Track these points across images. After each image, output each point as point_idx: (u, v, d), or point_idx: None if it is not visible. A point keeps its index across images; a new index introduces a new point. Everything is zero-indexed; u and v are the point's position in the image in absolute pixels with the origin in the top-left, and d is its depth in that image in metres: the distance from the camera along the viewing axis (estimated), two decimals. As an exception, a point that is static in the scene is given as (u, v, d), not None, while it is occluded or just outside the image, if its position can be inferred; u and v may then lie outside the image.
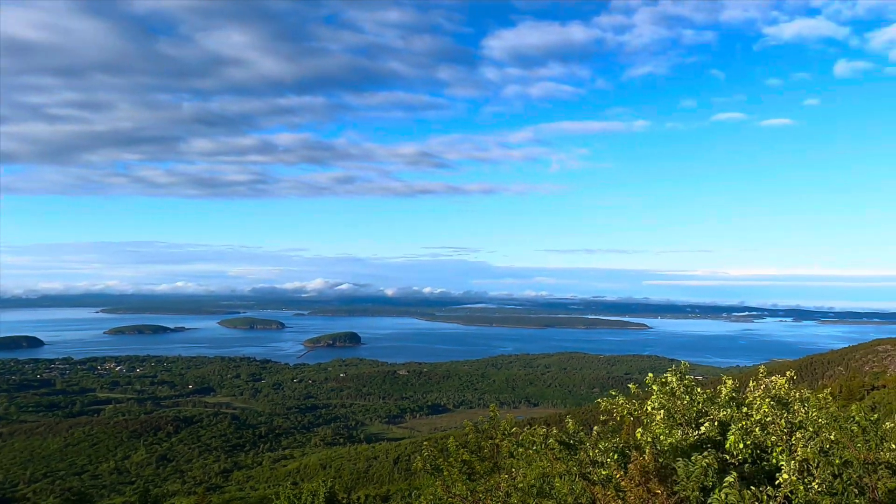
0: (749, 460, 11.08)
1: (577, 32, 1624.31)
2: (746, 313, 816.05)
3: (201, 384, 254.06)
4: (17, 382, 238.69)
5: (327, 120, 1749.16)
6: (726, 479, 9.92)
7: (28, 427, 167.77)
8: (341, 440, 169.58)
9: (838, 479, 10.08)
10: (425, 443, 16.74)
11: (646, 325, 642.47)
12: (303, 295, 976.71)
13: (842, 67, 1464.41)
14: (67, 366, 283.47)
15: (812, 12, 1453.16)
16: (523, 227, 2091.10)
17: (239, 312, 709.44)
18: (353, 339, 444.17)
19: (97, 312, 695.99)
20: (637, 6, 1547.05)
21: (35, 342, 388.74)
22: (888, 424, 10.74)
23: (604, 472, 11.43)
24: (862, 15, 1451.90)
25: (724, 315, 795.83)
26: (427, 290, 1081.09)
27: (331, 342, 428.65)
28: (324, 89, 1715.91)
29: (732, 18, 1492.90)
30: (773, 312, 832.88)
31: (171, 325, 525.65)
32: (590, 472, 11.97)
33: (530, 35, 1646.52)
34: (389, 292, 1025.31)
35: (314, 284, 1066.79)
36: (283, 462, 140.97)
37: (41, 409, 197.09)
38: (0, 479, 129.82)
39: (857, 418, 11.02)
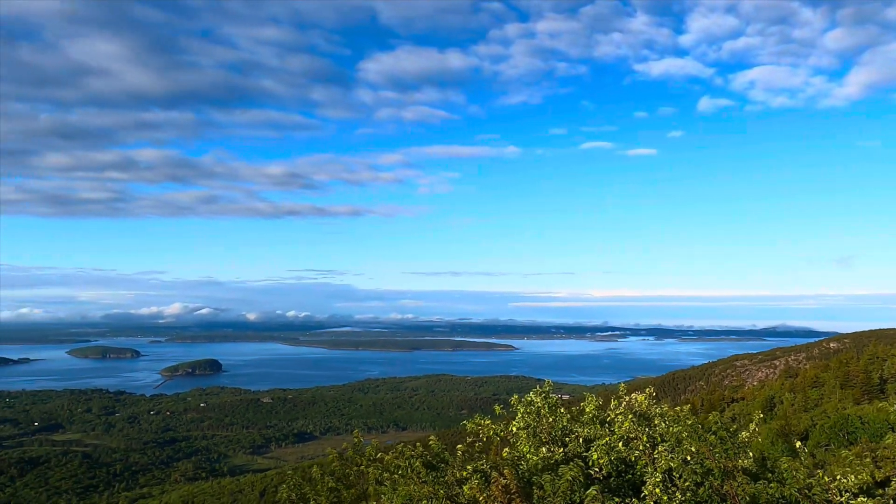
0: (614, 474, 11.11)
1: (454, 59, 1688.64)
2: (610, 333, 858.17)
3: (48, 420, 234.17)
4: None
5: (193, 137, 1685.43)
6: (589, 490, 10.08)
7: None
8: (203, 474, 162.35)
9: (702, 488, 10.26)
10: (289, 472, 16.36)
11: (512, 346, 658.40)
12: (160, 321, 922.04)
13: (705, 104, 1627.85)
14: None
15: (681, 53, 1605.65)
16: (389, 250, 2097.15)
17: (90, 340, 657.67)
18: (214, 366, 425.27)
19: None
20: (514, 38, 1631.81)
21: None
22: (744, 434, 11.17)
23: (467, 493, 11.32)
24: (726, 58, 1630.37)
25: (588, 335, 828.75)
26: (291, 313, 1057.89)
27: (190, 370, 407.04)
28: (192, 105, 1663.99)
29: (605, 54, 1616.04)
30: (636, 331, 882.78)
31: (15, 356, 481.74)
32: (456, 494, 11.96)
33: (408, 60, 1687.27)
34: (251, 317, 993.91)
35: (172, 309, 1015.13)
36: (140, 502, 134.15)
37: None
38: None
39: (714, 429, 11.33)
